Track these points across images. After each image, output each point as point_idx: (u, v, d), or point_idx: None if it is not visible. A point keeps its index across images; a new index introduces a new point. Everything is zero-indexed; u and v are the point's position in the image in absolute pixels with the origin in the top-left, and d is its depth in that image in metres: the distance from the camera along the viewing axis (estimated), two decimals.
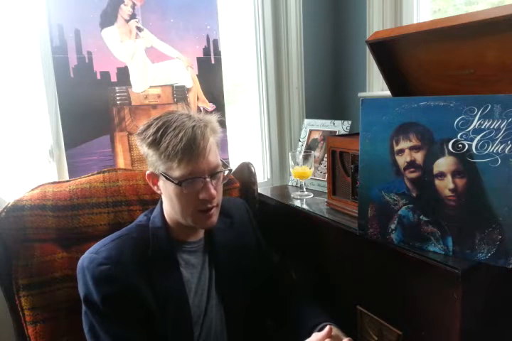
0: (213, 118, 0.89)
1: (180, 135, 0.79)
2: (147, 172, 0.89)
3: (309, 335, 0.85)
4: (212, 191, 0.83)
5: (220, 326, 0.96)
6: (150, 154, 0.84)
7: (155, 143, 0.82)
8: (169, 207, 0.89)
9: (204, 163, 0.82)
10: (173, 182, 0.82)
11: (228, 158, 1.56)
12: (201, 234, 0.96)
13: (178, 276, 0.89)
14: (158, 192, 0.90)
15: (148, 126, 0.84)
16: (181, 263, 0.91)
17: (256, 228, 1.10)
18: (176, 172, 0.81)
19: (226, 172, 0.89)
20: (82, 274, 0.83)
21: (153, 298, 0.85)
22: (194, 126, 0.81)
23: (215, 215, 0.88)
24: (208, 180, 0.83)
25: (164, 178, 0.84)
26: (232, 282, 0.96)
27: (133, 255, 0.85)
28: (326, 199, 1.25)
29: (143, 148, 0.86)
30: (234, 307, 0.97)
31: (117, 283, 0.81)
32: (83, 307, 0.83)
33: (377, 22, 1.54)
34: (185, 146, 0.79)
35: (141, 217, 0.95)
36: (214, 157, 0.84)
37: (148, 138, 0.82)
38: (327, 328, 0.82)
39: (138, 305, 0.83)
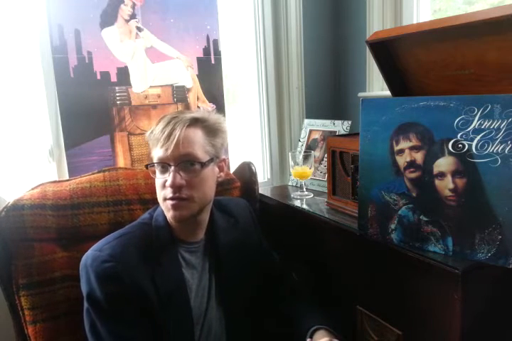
0: (213, 117, 0.92)
1: (163, 125, 0.86)
2: None
3: (304, 338, 0.87)
4: (176, 180, 0.83)
5: (220, 327, 0.96)
6: (149, 146, 0.91)
7: (149, 134, 0.89)
8: None
9: (172, 151, 0.83)
10: (147, 167, 0.89)
11: (228, 158, 1.55)
12: (201, 234, 0.95)
13: (180, 276, 0.89)
14: None
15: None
16: (182, 264, 0.91)
17: (258, 228, 1.10)
18: (153, 159, 0.87)
19: (196, 165, 0.85)
20: (85, 272, 0.83)
21: (156, 297, 0.84)
22: (176, 118, 0.87)
23: (184, 209, 0.85)
24: (173, 168, 0.84)
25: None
26: (233, 285, 0.96)
27: (136, 253, 0.85)
28: (326, 199, 1.25)
29: None
30: (234, 309, 0.97)
31: (121, 281, 0.81)
32: (85, 305, 0.83)
33: (377, 22, 1.54)
34: (160, 133, 0.85)
35: (144, 215, 0.95)
36: (187, 148, 0.84)
37: (150, 131, 0.90)
38: None
39: (140, 303, 0.83)
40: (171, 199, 0.84)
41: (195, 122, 0.87)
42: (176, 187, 0.83)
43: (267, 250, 1.11)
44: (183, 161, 0.85)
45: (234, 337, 0.97)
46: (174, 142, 0.83)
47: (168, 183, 0.83)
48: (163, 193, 0.86)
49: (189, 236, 0.93)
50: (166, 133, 0.84)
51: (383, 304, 0.99)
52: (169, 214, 0.86)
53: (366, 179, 0.96)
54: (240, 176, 1.28)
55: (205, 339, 0.93)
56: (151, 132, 0.88)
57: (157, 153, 0.86)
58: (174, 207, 0.85)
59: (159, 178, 0.86)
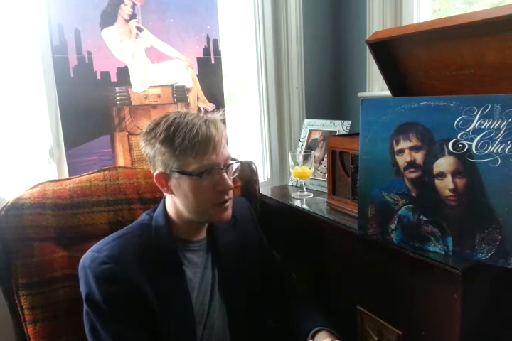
0: (217, 116, 0.90)
1: (194, 129, 0.81)
2: (156, 173, 0.86)
3: (305, 339, 0.87)
4: (230, 182, 0.85)
5: (223, 326, 0.96)
6: (162, 152, 0.83)
7: (168, 140, 0.82)
8: (183, 205, 0.87)
9: (220, 155, 0.84)
10: (191, 174, 0.82)
11: None
12: (204, 233, 0.95)
13: (181, 276, 0.89)
14: (168, 193, 0.88)
15: (157, 125, 0.84)
16: (184, 263, 0.91)
17: (258, 227, 1.10)
18: (193, 166, 0.82)
19: (237, 164, 0.91)
20: (83, 273, 0.83)
21: (156, 297, 0.84)
22: (206, 121, 0.84)
23: (230, 208, 0.89)
24: (224, 170, 0.85)
25: (179, 174, 0.83)
26: (235, 282, 0.96)
27: (135, 254, 0.85)
28: (326, 199, 1.25)
29: (152, 147, 0.84)
30: (236, 307, 0.97)
31: (119, 282, 0.81)
32: (84, 307, 0.83)
33: (377, 22, 1.54)
34: (202, 139, 0.81)
35: (143, 216, 0.94)
36: (226, 149, 0.87)
37: (160, 135, 0.82)
38: None
39: (140, 304, 0.83)
40: (225, 202, 0.87)
41: (218, 122, 0.88)
42: (231, 189, 0.86)
43: (268, 250, 1.10)
44: (230, 163, 0.88)
45: (236, 337, 0.97)
46: (222, 145, 0.84)
47: (223, 187, 0.84)
48: (216, 197, 0.85)
49: (194, 235, 0.93)
50: (214, 137, 0.82)
51: (383, 304, 0.99)
52: (221, 216, 0.88)
53: (366, 179, 0.96)
54: (240, 175, 1.27)
55: (207, 339, 0.93)
56: (173, 140, 0.81)
57: (202, 159, 0.82)
58: (227, 208, 0.88)
59: (207, 182, 0.83)
